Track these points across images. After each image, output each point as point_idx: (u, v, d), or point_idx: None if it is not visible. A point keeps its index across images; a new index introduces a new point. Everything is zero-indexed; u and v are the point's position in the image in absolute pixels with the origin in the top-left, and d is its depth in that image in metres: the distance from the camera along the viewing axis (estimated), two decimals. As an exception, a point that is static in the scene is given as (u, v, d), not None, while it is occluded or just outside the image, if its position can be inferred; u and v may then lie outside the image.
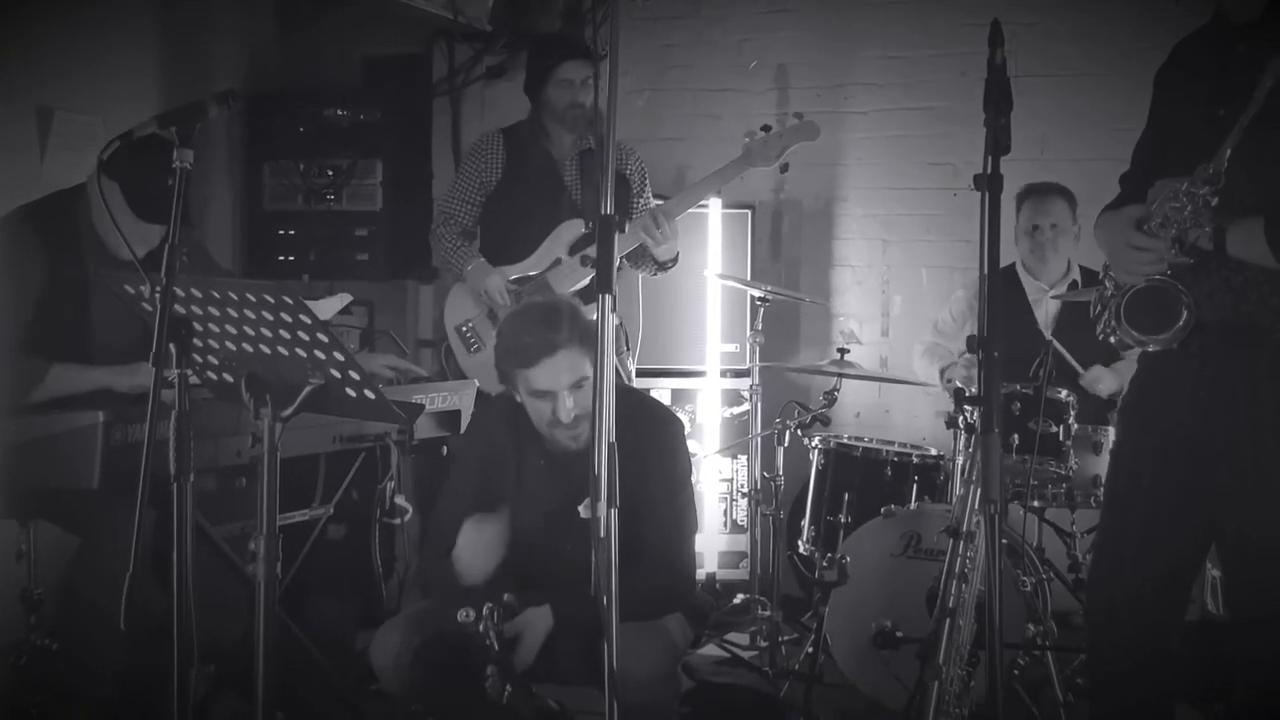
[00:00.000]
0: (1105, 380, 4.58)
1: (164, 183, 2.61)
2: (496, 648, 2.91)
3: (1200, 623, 3.93)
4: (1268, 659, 2.82)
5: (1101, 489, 4.14)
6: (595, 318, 2.39)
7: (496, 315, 4.50)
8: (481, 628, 2.91)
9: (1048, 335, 4.69)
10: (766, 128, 4.50)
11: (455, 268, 4.64)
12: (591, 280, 4.50)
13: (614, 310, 2.35)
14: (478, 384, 4.25)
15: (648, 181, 4.84)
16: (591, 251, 4.43)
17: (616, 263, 4.35)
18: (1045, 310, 4.85)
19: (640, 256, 4.65)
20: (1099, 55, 5.48)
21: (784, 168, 4.52)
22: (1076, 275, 4.86)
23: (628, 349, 4.90)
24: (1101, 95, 5.44)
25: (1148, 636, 2.98)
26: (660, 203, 4.62)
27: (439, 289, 5.98)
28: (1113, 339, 2.91)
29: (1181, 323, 2.76)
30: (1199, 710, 3.81)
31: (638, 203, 4.75)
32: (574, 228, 4.56)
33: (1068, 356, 4.42)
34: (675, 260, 4.64)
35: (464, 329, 4.61)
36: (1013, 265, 4.91)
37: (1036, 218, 4.83)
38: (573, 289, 4.51)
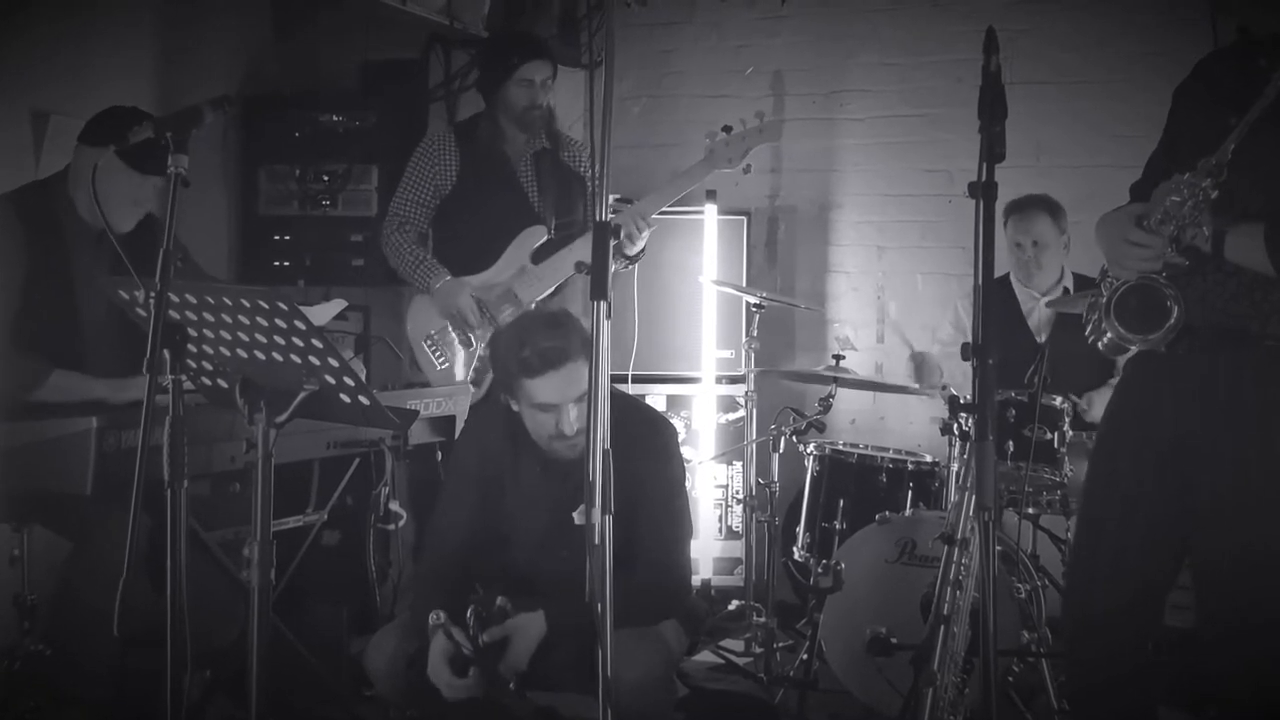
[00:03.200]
0: (1097, 406, 4.54)
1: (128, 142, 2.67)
2: (472, 652, 2.92)
3: (1188, 629, 3.93)
4: (1241, 672, 2.82)
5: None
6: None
7: (460, 327, 4.46)
8: (469, 631, 2.92)
9: (1040, 340, 4.69)
10: (728, 128, 4.44)
11: (419, 281, 4.51)
12: (557, 289, 4.48)
13: (609, 317, 2.35)
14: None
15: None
16: (565, 256, 4.42)
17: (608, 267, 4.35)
18: (1038, 317, 4.85)
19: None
20: (1094, 62, 5.49)
21: (746, 169, 4.47)
22: (1069, 282, 4.85)
23: None
24: (1097, 102, 5.45)
25: (1124, 647, 2.97)
26: (627, 205, 4.57)
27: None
28: (1102, 342, 2.90)
29: (1172, 321, 2.75)
30: (1189, 716, 3.80)
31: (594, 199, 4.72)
32: (536, 234, 4.50)
33: (1074, 400, 4.38)
34: (643, 254, 4.58)
35: (428, 342, 4.53)
36: (1007, 275, 4.91)
37: (1018, 235, 4.81)
38: (539, 298, 4.48)
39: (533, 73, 4.52)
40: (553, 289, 4.50)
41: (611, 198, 4.71)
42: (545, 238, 4.50)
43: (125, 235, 3.49)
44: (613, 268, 4.63)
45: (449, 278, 4.47)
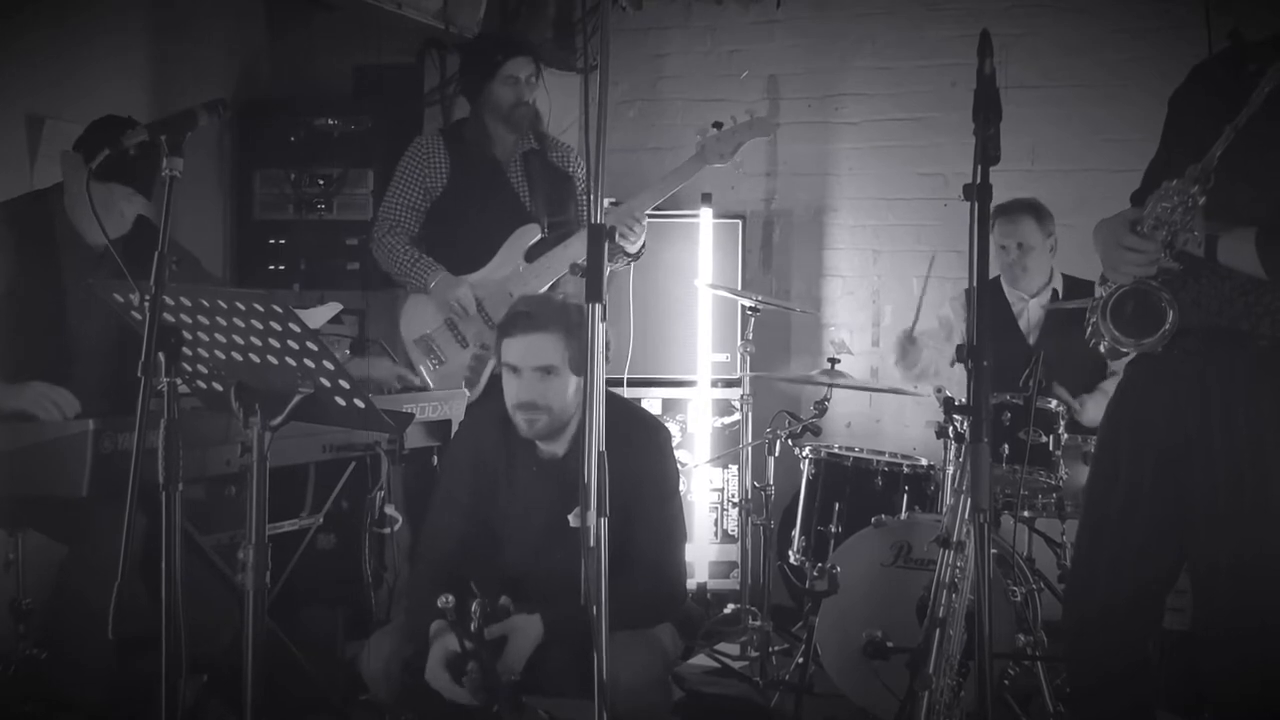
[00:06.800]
0: (1089, 409, 4.54)
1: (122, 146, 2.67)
2: (473, 647, 2.91)
3: (1187, 632, 3.93)
4: (1239, 675, 2.83)
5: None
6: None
7: (457, 326, 4.45)
8: (473, 626, 2.92)
9: (1030, 341, 4.70)
10: (719, 124, 4.46)
11: (415, 280, 4.48)
12: (550, 287, 4.47)
13: (604, 319, 2.35)
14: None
15: None
16: (559, 254, 4.42)
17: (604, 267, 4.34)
18: (1028, 318, 4.86)
19: (609, 251, 4.60)
20: (1089, 66, 5.49)
21: (738, 165, 4.48)
22: (1058, 284, 4.85)
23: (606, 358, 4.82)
24: (1091, 106, 5.45)
25: (1122, 650, 2.98)
26: (621, 204, 4.56)
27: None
28: (1102, 345, 2.91)
29: (1167, 325, 2.76)
30: (1186, 718, 3.81)
31: (583, 199, 4.72)
32: (529, 233, 4.48)
33: (1066, 399, 4.39)
34: (643, 250, 4.58)
35: (421, 343, 4.52)
36: (997, 277, 4.91)
37: (1003, 238, 4.80)
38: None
39: (517, 69, 4.50)
40: (546, 287, 4.50)
41: (606, 201, 4.72)
42: (539, 236, 4.49)
43: (120, 239, 3.48)
44: (613, 266, 4.68)
45: (445, 273, 4.45)
